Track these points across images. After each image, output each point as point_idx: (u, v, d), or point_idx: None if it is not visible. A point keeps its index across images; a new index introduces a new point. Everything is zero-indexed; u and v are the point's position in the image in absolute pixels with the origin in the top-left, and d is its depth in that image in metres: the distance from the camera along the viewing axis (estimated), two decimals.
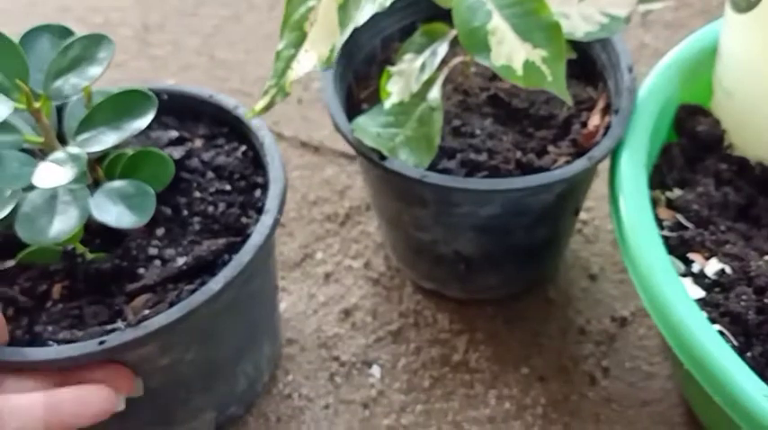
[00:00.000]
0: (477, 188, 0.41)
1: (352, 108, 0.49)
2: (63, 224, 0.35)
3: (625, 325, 0.54)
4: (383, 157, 0.43)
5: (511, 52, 0.39)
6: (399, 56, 0.47)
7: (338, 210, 0.61)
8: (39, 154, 0.37)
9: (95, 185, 0.38)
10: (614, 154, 0.43)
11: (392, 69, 0.46)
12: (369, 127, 0.45)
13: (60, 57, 0.37)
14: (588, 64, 0.50)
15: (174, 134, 0.45)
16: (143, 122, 0.36)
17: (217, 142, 0.46)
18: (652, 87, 0.47)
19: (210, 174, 0.44)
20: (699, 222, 0.43)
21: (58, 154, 0.36)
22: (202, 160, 0.45)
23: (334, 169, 0.63)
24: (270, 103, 0.40)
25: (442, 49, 0.45)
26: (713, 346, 0.34)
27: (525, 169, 0.45)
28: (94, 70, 0.36)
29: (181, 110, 0.47)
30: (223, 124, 0.47)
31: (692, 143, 0.48)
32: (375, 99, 0.48)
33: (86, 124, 0.37)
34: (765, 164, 0.47)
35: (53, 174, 0.34)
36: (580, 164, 0.42)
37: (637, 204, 0.40)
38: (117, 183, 0.38)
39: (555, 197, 0.44)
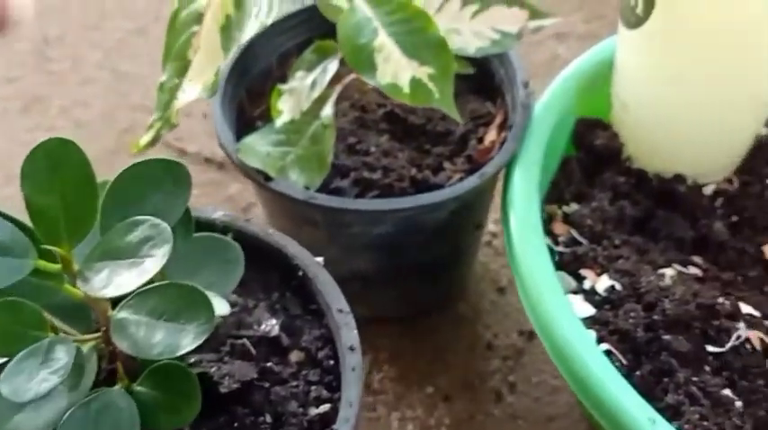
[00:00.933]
0: (365, 208, 0.41)
1: (246, 125, 0.48)
2: None
3: (532, 338, 0.53)
4: (269, 178, 0.42)
5: (397, 70, 0.38)
6: (291, 73, 0.45)
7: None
8: None
9: None
10: (507, 170, 0.43)
11: (283, 87, 0.45)
12: (258, 146, 0.44)
13: None
14: (487, 79, 0.50)
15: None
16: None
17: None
18: (549, 101, 0.47)
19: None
20: (592, 237, 0.42)
21: None
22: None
23: (238, 186, 0.61)
24: (155, 137, 0.38)
25: (333, 65, 0.44)
26: (598, 369, 0.34)
27: (420, 186, 0.44)
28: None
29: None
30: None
31: (591, 156, 0.48)
32: (270, 116, 0.46)
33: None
34: (663, 176, 0.47)
35: None
36: (471, 181, 0.42)
37: (526, 221, 0.40)
38: None
39: (449, 214, 0.43)
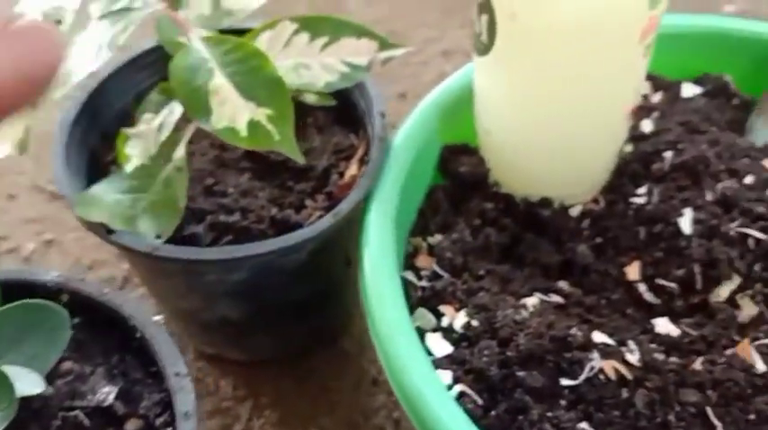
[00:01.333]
0: (212, 258, 0.39)
1: (101, 172, 0.46)
2: None
3: None
4: (111, 231, 0.40)
5: (234, 113, 0.37)
6: (138, 116, 0.43)
7: (116, 273, 0.57)
8: None
9: None
10: (364, 206, 0.42)
11: (129, 131, 0.43)
12: (106, 195, 0.42)
13: None
14: (350, 109, 0.49)
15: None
16: None
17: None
18: (410, 130, 0.46)
19: None
20: (453, 270, 0.42)
21: None
22: None
23: None
24: None
25: (180, 106, 0.42)
26: (447, 419, 0.32)
27: (281, 227, 0.43)
28: None
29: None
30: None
31: (457, 184, 0.47)
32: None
33: None
34: (530, 199, 0.46)
35: None
36: (325, 221, 0.40)
37: (380, 260, 0.39)
38: None
39: (309, 255, 0.42)
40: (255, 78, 0.37)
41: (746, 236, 0.41)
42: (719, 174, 0.45)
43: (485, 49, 0.41)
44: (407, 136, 0.45)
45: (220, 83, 0.37)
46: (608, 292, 0.42)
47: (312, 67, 0.43)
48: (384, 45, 0.43)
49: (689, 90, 0.52)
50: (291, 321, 0.48)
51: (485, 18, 0.40)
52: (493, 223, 0.45)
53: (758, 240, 0.40)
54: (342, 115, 0.49)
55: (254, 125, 0.37)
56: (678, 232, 0.42)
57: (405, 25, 0.78)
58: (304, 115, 0.50)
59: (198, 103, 0.37)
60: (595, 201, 0.47)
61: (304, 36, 0.43)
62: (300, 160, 0.38)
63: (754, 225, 0.41)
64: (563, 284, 0.43)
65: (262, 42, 0.43)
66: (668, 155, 0.46)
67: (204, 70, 0.37)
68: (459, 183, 0.47)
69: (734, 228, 0.41)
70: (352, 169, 0.45)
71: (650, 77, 0.53)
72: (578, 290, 0.43)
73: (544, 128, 0.43)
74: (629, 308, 0.41)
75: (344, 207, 0.40)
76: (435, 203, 0.46)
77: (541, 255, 0.44)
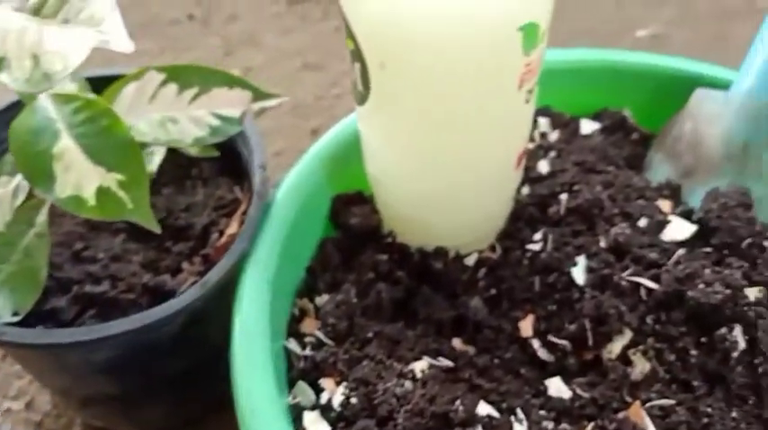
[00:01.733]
0: (62, 342, 0.36)
1: None
2: None
3: None
4: None
5: (81, 179, 0.34)
6: None
7: None
8: None
9: None
10: (239, 271, 0.39)
11: None
12: None
13: None
14: (234, 158, 0.46)
15: None
16: None
17: None
18: (293, 183, 0.43)
19: None
20: (338, 336, 0.39)
21: None
22: None
23: None
24: None
25: None
26: None
27: (154, 295, 0.40)
28: None
29: None
30: None
31: (349, 236, 0.45)
32: None
33: None
34: (425, 250, 0.44)
35: None
36: (194, 292, 0.37)
37: (251, 329, 0.36)
38: None
39: (182, 327, 0.39)
40: (106, 140, 0.34)
41: (639, 285, 0.39)
42: (613, 218, 0.43)
43: (362, 98, 0.39)
44: (291, 189, 0.43)
45: (66, 145, 0.34)
46: (501, 351, 0.40)
47: (180, 121, 0.40)
48: (258, 95, 0.41)
49: (587, 126, 0.51)
50: (178, 392, 0.45)
51: (358, 66, 0.38)
52: (386, 277, 0.43)
53: (650, 290, 0.39)
54: (228, 165, 0.47)
55: (103, 192, 0.34)
56: (571, 283, 0.41)
57: (322, 57, 0.76)
58: (188, 166, 0.47)
59: (39, 170, 0.34)
60: (492, 248, 0.45)
61: (172, 87, 0.40)
62: (156, 230, 0.35)
63: (647, 273, 0.40)
64: (456, 342, 0.41)
65: (127, 95, 0.40)
66: (564, 197, 0.45)
67: (50, 132, 0.34)
68: (351, 235, 0.45)
69: (626, 277, 0.39)
70: (233, 227, 0.42)
71: (549, 114, 0.52)
72: (472, 348, 0.41)
73: (428, 177, 0.41)
74: (523, 367, 0.39)
75: (214, 276, 0.38)
76: (325, 259, 0.44)
77: (435, 310, 0.41)
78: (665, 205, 0.44)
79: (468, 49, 0.34)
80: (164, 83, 0.40)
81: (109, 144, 0.34)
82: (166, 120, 0.40)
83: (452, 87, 0.36)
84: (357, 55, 0.37)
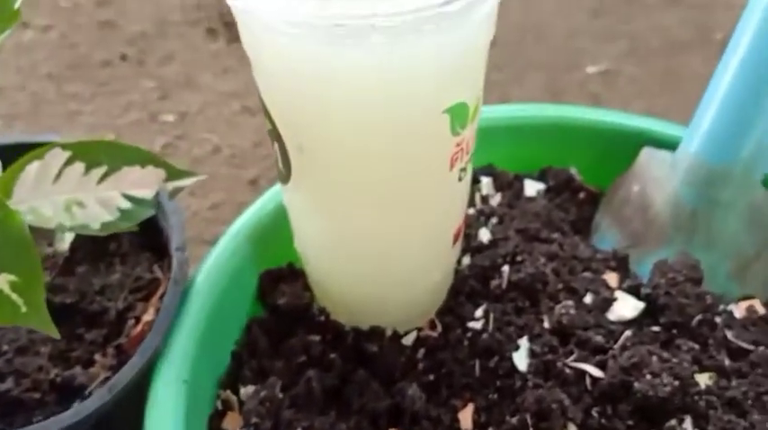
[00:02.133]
0: None
1: None
2: None
3: None
4: None
5: None
6: None
7: None
8: None
9: None
10: (152, 370, 0.36)
11: None
12: None
13: None
14: (156, 232, 0.43)
15: None
16: None
17: None
18: (214, 264, 0.40)
19: None
20: None
21: None
22: None
23: None
24: None
25: None
26: None
27: (63, 392, 0.37)
28: None
29: None
30: None
31: (277, 316, 0.42)
32: None
33: None
34: (361, 328, 0.41)
35: None
36: (98, 398, 0.34)
37: None
38: None
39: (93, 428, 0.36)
40: None
41: (584, 373, 0.37)
42: (558, 294, 0.41)
43: (284, 178, 0.36)
44: (212, 271, 0.40)
45: None
46: None
47: (87, 204, 0.37)
48: (173, 174, 0.38)
49: (532, 187, 0.49)
50: None
51: (277, 146, 0.35)
52: (318, 361, 0.40)
53: (595, 379, 0.36)
54: (149, 239, 0.43)
55: None
56: (513, 369, 0.38)
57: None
58: (105, 241, 0.44)
59: None
60: (432, 325, 0.42)
61: (78, 166, 0.37)
62: (55, 335, 0.32)
63: (592, 359, 0.37)
64: None
65: (29, 175, 0.37)
66: (506, 269, 0.42)
67: None
68: (280, 315, 0.42)
69: (570, 363, 0.37)
70: (149, 313, 0.39)
71: (491, 173, 0.49)
72: None
73: (357, 257, 0.38)
74: None
75: (123, 377, 0.34)
76: (252, 343, 0.41)
77: (370, 399, 0.39)
78: (611, 279, 0.42)
79: (390, 133, 0.32)
80: (69, 161, 0.37)
81: (0, 241, 0.31)
82: (72, 203, 0.37)
83: (376, 172, 0.33)
84: (275, 135, 0.34)
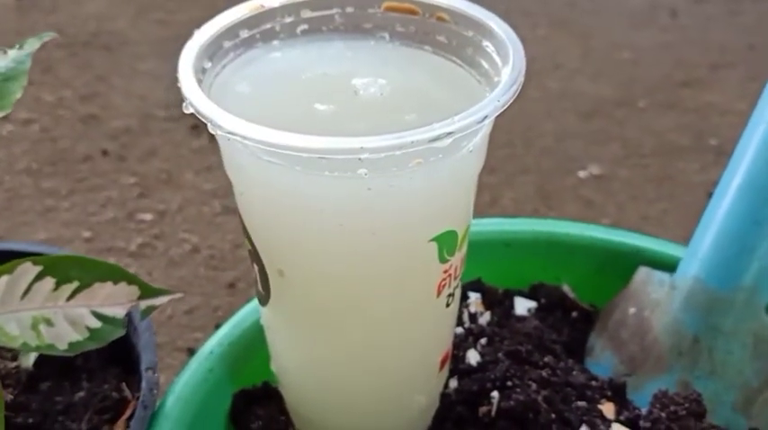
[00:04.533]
0: None
1: None
2: None
3: None
4: None
5: None
6: None
7: None
8: None
9: None
10: None
11: None
12: None
13: None
14: (126, 349, 0.40)
15: None
16: None
17: None
18: (184, 387, 0.38)
19: None
20: None
21: None
22: None
23: None
24: None
25: None
26: None
27: None
28: None
29: None
30: None
31: None
32: None
33: None
34: None
35: None
36: None
37: None
38: None
39: None
40: None
41: None
42: (551, 425, 0.38)
43: (263, 299, 0.34)
44: (183, 394, 0.38)
45: None
46: None
47: (55, 322, 0.35)
48: (146, 291, 0.36)
49: (522, 306, 0.47)
50: None
51: (257, 268, 0.33)
52: None
53: None
54: (118, 354, 0.41)
55: None
56: None
57: None
58: (73, 356, 0.41)
59: None
60: None
61: (48, 281, 0.35)
62: None
63: None
64: None
65: None
66: (495, 395, 0.40)
67: None
68: None
69: None
70: None
71: (479, 289, 0.48)
72: None
73: (335, 382, 0.36)
74: None
75: None
76: None
77: None
78: (607, 409, 0.40)
79: (374, 263, 0.30)
80: (39, 276, 0.35)
81: None
82: (40, 320, 0.34)
83: (359, 300, 0.32)
84: (255, 257, 0.32)
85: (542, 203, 0.71)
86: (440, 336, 0.36)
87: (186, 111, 0.28)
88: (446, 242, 0.31)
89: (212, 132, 0.28)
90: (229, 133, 0.27)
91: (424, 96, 0.32)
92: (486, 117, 0.27)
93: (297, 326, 0.34)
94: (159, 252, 0.62)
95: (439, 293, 0.33)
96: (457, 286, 0.35)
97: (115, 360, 0.42)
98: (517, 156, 0.77)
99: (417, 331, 0.35)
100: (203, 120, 0.27)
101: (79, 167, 0.70)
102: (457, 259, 0.33)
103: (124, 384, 0.40)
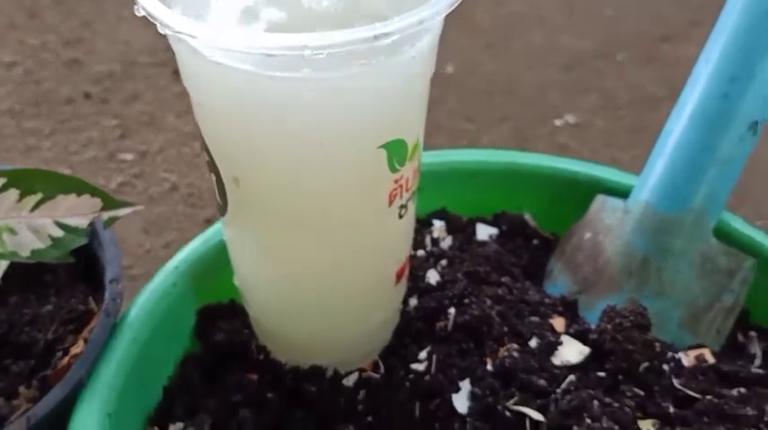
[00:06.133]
0: None
1: None
2: None
3: None
4: None
5: None
6: None
7: None
8: None
9: None
10: (75, 402, 0.34)
11: None
12: None
13: None
14: (93, 266, 0.42)
15: None
16: None
17: None
18: (148, 298, 0.39)
19: None
20: None
21: None
22: None
23: None
24: None
25: None
26: None
27: None
28: None
29: None
30: None
31: (214, 354, 0.41)
32: None
33: None
34: (300, 368, 0.40)
35: None
36: (16, 427, 0.32)
37: None
38: None
39: None
40: None
41: (524, 416, 0.36)
42: (503, 337, 0.40)
43: (221, 209, 0.36)
44: (145, 304, 0.39)
45: None
46: None
47: (19, 231, 0.36)
48: (108, 203, 0.37)
49: (484, 232, 0.48)
50: None
51: (214, 178, 0.34)
52: (254, 401, 0.39)
53: (535, 423, 0.35)
54: (87, 271, 0.42)
55: None
56: (453, 411, 0.37)
57: None
58: (41, 272, 0.43)
59: None
60: (375, 366, 0.41)
61: (12, 193, 0.36)
62: None
63: (534, 402, 0.36)
64: None
65: None
66: (452, 312, 0.41)
67: None
68: (217, 353, 0.41)
69: (511, 406, 0.36)
70: (79, 346, 0.38)
71: (444, 217, 0.49)
72: None
73: (297, 294, 0.37)
74: None
75: (41, 409, 0.33)
76: (185, 380, 0.39)
77: None
78: (558, 323, 0.41)
79: (324, 167, 0.31)
80: (3, 188, 0.36)
81: None
82: (3, 229, 0.36)
83: (311, 207, 0.33)
84: (212, 166, 0.34)
85: (518, 147, 0.72)
86: (394, 248, 0.37)
87: (138, 14, 0.29)
88: (395, 151, 0.32)
89: (162, 33, 0.29)
90: (177, 32, 0.28)
91: (378, 15, 0.33)
92: (422, 21, 0.28)
93: (252, 235, 0.35)
94: (139, 190, 0.64)
95: (391, 203, 0.34)
96: (410, 199, 0.36)
97: (83, 278, 0.43)
98: (496, 106, 0.78)
99: (371, 241, 0.35)
100: (152, 20, 0.28)
101: (62, 109, 0.71)
102: (408, 170, 0.34)
103: (91, 298, 0.42)
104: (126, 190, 0.63)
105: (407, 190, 0.35)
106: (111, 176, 0.64)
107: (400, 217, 0.35)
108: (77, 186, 0.37)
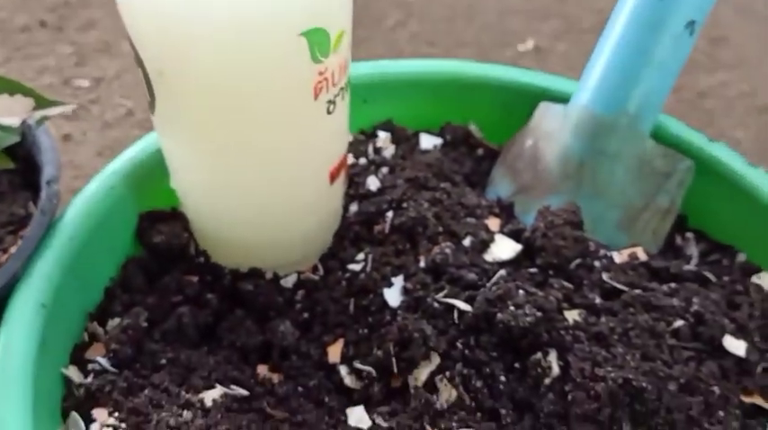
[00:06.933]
0: None
1: None
2: None
3: None
4: None
5: None
6: None
7: None
8: None
9: None
10: (10, 297, 0.35)
11: None
12: None
13: None
14: (33, 170, 0.42)
15: None
16: None
17: None
18: (85, 201, 0.39)
19: None
20: (121, 362, 0.36)
21: None
22: None
23: None
24: None
25: None
26: None
27: None
28: None
29: None
30: None
31: (155, 257, 0.41)
32: None
33: None
34: (239, 271, 0.41)
35: None
36: None
37: (8, 362, 0.32)
38: None
39: None
40: None
41: (452, 308, 0.37)
42: (437, 237, 0.41)
43: (151, 106, 0.36)
44: (83, 204, 0.39)
45: None
46: (307, 378, 0.37)
47: None
48: (41, 102, 0.37)
49: (428, 141, 0.49)
50: None
51: (141, 73, 0.34)
52: (193, 300, 0.39)
53: (463, 313, 0.36)
54: (29, 179, 0.43)
55: None
56: (385, 304, 0.38)
57: None
58: None
59: None
60: (314, 268, 0.42)
61: None
62: None
63: (463, 295, 0.37)
64: (262, 369, 0.38)
65: None
66: (389, 215, 0.42)
67: None
68: (157, 255, 0.41)
69: (439, 298, 0.37)
70: (16, 245, 0.38)
71: (389, 128, 0.49)
72: (278, 375, 0.37)
73: (229, 193, 0.38)
74: (328, 395, 0.36)
75: None
76: (126, 280, 0.40)
77: (241, 335, 0.38)
78: (493, 223, 0.42)
79: (245, 57, 0.31)
80: None
81: None
82: None
83: (236, 99, 0.33)
84: (138, 61, 0.34)
85: None
86: (325, 145, 0.38)
87: None
88: (317, 40, 0.32)
89: None
90: None
91: None
92: None
93: (181, 131, 0.36)
94: (94, 115, 0.64)
95: (317, 96, 0.34)
96: (339, 96, 0.36)
97: (25, 185, 0.43)
98: (457, 31, 0.78)
99: (299, 137, 0.36)
100: None
101: (17, 37, 0.70)
102: (333, 63, 0.34)
103: (31, 203, 0.42)
104: (81, 114, 0.63)
105: (334, 84, 0.35)
106: (67, 102, 0.64)
107: (329, 112, 0.36)
108: (10, 86, 0.37)
